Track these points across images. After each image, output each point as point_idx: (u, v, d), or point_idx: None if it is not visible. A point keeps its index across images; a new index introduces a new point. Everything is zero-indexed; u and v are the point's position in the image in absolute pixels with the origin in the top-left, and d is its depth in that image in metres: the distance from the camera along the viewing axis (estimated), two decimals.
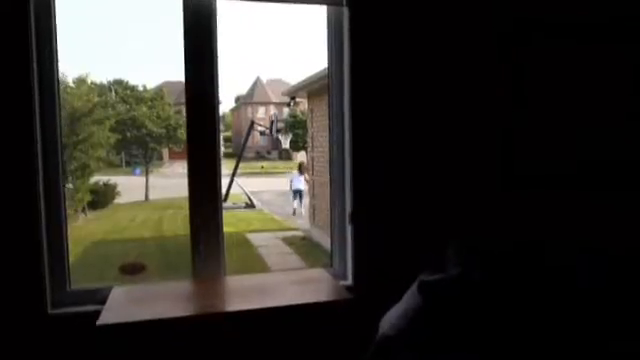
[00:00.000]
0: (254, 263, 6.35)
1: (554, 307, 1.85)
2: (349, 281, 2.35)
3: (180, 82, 2.24)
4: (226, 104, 13.07)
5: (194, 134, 2.21)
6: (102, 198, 7.72)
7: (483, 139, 2.43)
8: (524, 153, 2.45)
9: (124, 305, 1.86)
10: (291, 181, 8.50)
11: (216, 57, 2.23)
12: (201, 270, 2.20)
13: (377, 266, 2.31)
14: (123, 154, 8.70)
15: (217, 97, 2.23)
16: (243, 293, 1.96)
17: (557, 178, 2.49)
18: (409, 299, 2.01)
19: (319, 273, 2.23)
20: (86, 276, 5.49)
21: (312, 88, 6.80)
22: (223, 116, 13.17)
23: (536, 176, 2.46)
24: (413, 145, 2.35)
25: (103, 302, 1.93)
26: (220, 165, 2.24)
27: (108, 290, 2.05)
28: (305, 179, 8.13)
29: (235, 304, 1.89)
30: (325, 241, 6.78)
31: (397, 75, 2.32)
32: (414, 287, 2.06)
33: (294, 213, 8.42)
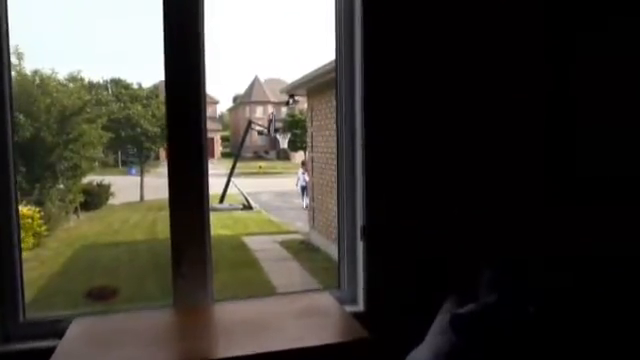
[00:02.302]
0: (249, 269, 5.91)
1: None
2: (360, 307, 1.94)
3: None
4: (224, 104, 12.71)
5: (175, 133, 1.79)
6: (95, 199, 7.36)
7: (526, 141, 2.01)
8: (575, 159, 2.03)
9: (82, 347, 1.43)
10: (298, 179, 8.44)
11: (202, 43, 1.81)
12: (184, 295, 1.78)
13: (394, 290, 1.90)
14: (119, 154, 8.35)
15: (204, 88, 1.82)
16: (234, 329, 1.53)
17: (617, 187, 2.05)
18: (438, 337, 1.60)
19: (325, 299, 1.81)
20: (72, 283, 5.11)
21: (312, 85, 6.38)
22: (221, 116, 12.82)
23: (591, 186, 2.04)
24: (439, 147, 1.93)
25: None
26: (207, 169, 1.82)
27: (70, 320, 1.64)
28: (304, 179, 7.90)
29: (224, 347, 1.45)
30: (325, 245, 6.38)
31: (421, 64, 1.90)
32: (442, 319, 1.66)
33: (305, 207, 8.24)
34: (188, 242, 1.78)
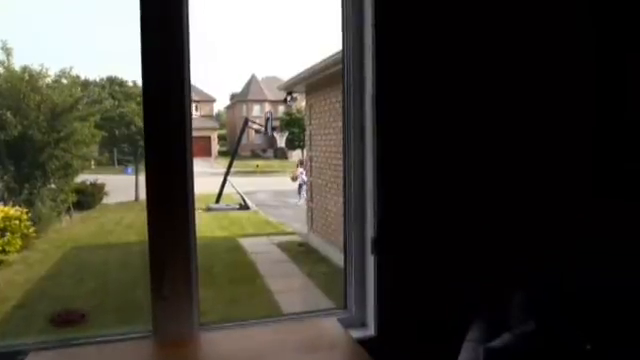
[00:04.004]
0: (245, 273, 5.59)
1: None
2: (371, 331, 1.65)
3: None
4: (221, 102, 12.47)
5: (153, 132, 1.49)
6: (89, 198, 7.09)
7: (564, 140, 1.75)
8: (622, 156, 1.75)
9: None
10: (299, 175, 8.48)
11: (187, 36, 1.52)
12: (165, 322, 1.48)
13: (410, 311, 1.62)
14: (115, 152, 8.11)
15: (188, 83, 1.52)
16: None
17: None
18: None
19: (331, 326, 1.51)
20: (60, 288, 4.81)
21: (311, 81, 6.04)
22: (218, 114, 12.57)
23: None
24: (464, 148, 1.65)
25: None
26: (192, 172, 1.52)
27: (27, 352, 1.35)
28: (303, 178, 7.71)
29: None
30: (324, 248, 6.08)
31: (442, 55, 1.62)
32: (470, 350, 1.38)
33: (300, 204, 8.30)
34: (170, 258, 1.49)
